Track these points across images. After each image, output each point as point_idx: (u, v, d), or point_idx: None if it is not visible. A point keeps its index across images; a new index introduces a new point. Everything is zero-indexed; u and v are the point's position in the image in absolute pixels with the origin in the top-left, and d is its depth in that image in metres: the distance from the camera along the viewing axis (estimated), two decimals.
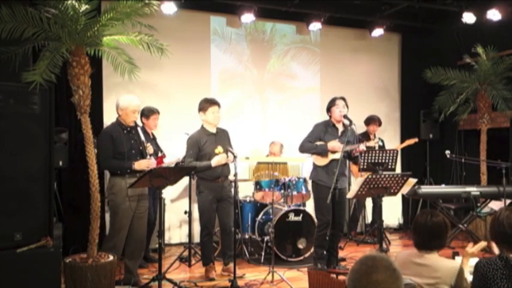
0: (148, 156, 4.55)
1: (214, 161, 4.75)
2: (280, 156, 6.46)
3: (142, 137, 4.59)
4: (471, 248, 2.85)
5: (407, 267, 2.67)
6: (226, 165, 4.87)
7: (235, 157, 4.62)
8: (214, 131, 4.93)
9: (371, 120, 6.89)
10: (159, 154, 5.52)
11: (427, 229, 2.66)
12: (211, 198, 4.85)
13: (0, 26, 3.79)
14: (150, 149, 4.64)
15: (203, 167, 4.78)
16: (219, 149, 4.76)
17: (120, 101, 4.54)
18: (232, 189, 4.69)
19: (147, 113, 5.53)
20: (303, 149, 5.07)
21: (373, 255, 1.75)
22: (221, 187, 4.89)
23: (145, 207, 4.63)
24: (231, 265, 4.96)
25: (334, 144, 4.88)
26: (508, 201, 5.79)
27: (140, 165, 4.46)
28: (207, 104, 4.88)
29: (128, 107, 4.52)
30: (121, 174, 4.42)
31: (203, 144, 4.83)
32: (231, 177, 4.91)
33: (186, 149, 4.91)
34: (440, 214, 2.73)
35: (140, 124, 5.01)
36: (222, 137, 4.94)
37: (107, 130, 4.57)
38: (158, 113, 5.65)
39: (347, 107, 5.00)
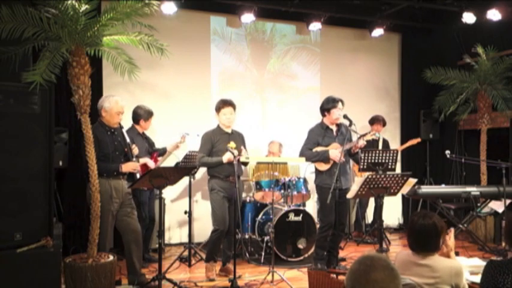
0: (134, 159, 4.54)
1: (226, 157, 4.75)
2: (279, 155, 6.46)
3: (128, 139, 4.58)
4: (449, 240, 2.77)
5: (407, 267, 2.65)
6: (238, 165, 4.84)
7: (234, 156, 4.62)
8: (229, 131, 4.97)
9: (375, 120, 6.89)
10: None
11: (416, 232, 2.62)
12: (223, 196, 4.86)
13: (0, 26, 3.79)
14: (135, 150, 4.64)
15: (214, 163, 4.82)
16: (232, 144, 4.74)
17: (104, 103, 4.51)
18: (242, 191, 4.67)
19: (147, 115, 5.48)
20: (304, 157, 5.06)
21: (371, 255, 1.75)
22: (232, 186, 4.88)
23: (131, 206, 4.59)
24: (228, 265, 4.97)
25: (336, 154, 4.85)
26: (508, 201, 5.79)
27: (127, 167, 4.47)
28: (220, 104, 4.93)
29: (113, 108, 4.50)
30: (106, 176, 4.38)
31: (216, 141, 4.88)
32: (243, 177, 4.87)
33: (199, 145, 4.95)
34: (434, 216, 2.65)
35: (125, 125, 4.95)
36: (236, 139, 4.94)
37: (92, 132, 4.39)
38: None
39: None
